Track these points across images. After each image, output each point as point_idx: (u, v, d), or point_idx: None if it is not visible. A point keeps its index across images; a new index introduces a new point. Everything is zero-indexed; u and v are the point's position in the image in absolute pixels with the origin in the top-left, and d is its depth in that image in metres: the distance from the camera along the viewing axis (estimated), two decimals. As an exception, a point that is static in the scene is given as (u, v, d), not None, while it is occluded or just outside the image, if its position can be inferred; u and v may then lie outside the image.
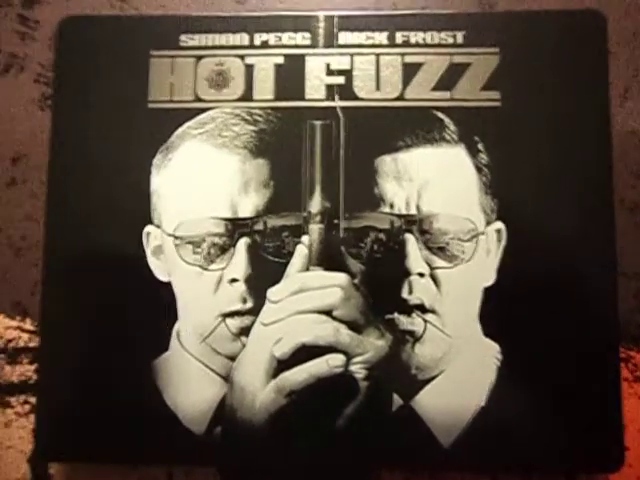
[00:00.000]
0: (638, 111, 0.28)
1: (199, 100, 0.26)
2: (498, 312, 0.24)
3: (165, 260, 0.26)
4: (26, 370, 0.27)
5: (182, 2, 0.29)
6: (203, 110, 0.26)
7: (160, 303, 0.25)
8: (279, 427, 0.24)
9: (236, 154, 0.26)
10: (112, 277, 0.26)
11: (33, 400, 0.27)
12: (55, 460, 0.25)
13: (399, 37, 0.26)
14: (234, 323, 0.25)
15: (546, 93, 0.25)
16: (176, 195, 0.26)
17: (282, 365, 0.24)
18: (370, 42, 0.26)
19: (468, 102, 0.25)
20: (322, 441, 0.24)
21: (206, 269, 0.25)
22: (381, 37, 0.26)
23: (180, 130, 0.26)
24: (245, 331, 0.25)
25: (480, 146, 0.25)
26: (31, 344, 0.27)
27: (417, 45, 0.26)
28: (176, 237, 0.26)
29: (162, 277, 0.26)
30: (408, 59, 0.26)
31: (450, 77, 0.25)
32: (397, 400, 0.25)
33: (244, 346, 0.25)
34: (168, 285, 0.26)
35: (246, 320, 0.25)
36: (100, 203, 0.26)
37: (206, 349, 0.25)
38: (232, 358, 0.25)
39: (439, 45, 0.26)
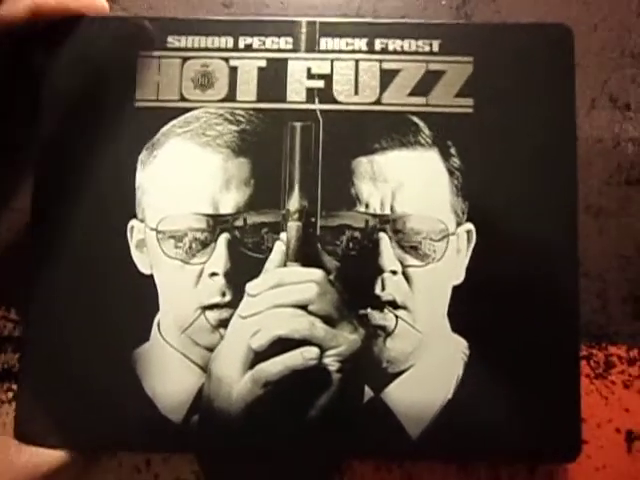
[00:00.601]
0: (604, 121, 0.29)
1: (184, 100, 0.27)
2: (466, 309, 0.25)
3: (148, 253, 0.26)
4: (10, 359, 0.28)
5: (170, 4, 0.30)
6: (188, 110, 0.26)
7: (142, 295, 0.26)
8: (255, 416, 0.25)
9: (219, 153, 0.26)
10: (96, 269, 0.26)
11: (16, 387, 0.27)
12: (36, 446, 0.26)
13: (378, 44, 0.26)
14: (213, 315, 0.26)
15: (516, 101, 0.26)
16: (160, 191, 0.26)
17: (259, 357, 0.25)
18: (350, 48, 0.27)
19: (442, 108, 0.26)
20: (295, 430, 0.25)
21: (187, 263, 0.26)
22: (361, 43, 0.27)
23: (165, 128, 0.26)
24: (224, 323, 0.25)
25: (452, 150, 0.26)
26: (15, 333, 0.28)
27: (395, 52, 0.26)
28: (159, 231, 0.26)
29: (145, 270, 0.26)
30: (386, 65, 0.26)
31: (426, 84, 0.26)
32: (368, 392, 0.25)
33: (222, 338, 0.25)
34: (150, 278, 0.26)
35: (225, 313, 0.25)
36: (86, 197, 0.26)
37: (186, 340, 0.26)
38: (210, 349, 0.25)
39: (416, 53, 0.26)
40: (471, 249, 0.26)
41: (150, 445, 0.26)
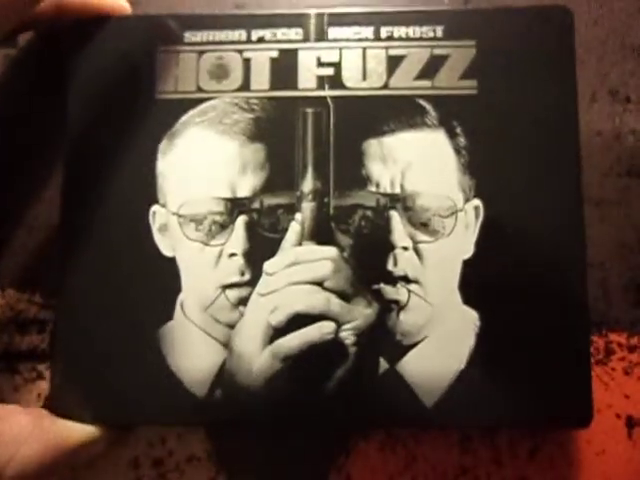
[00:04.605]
0: (605, 114, 0.27)
1: (201, 91, 0.26)
2: (476, 282, 0.23)
3: (170, 237, 0.25)
4: (34, 339, 0.26)
5: (186, 5, 0.29)
6: (204, 100, 0.25)
7: (165, 276, 0.24)
8: (274, 389, 0.23)
9: (235, 139, 0.25)
10: (121, 253, 0.25)
11: (40, 367, 0.26)
12: (68, 419, 0.25)
13: (384, 32, 0.25)
14: (233, 294, 0.24)
15: (519, 81, 0.24)
16: (180, 177, 0.25)
17: (277, 333, 0.23)
18: (357, 37, 0.25)
19: (448, 90, 0.25)
20: (313, 402, 0.23)
21: (207, 244, 0.25)
22: (367, 32, 0.25)
23: (184, 118, 0.25)
24: (243, 301, 0.24)
25: (458, 130, 0.24)
26: (40, 316, 0.26)
27: (400, 39, 0.25)
28: (180, 215, 0.25)
29: (167, 252, 0.25)
30: (392, 52, 0.25)
31: (431, 68, 0.24)
32: (383, 364, 0.24)
33: (242, 315, 0.24)
34: (172, 260, 0.25)
35: (244, 291, 0.24)
36: (110, 185, 0.25)
37: (207, 318, 0.24)
38: (231, 326, 0.24)
39: (420, 39, 0.25)
40: (479, 224, 0.24)
41: (176, 418, 0.24)
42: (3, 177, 0.28)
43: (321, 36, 0.25)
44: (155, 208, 0.25)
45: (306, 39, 0.25)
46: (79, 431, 0.23)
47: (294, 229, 0.24)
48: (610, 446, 0.25)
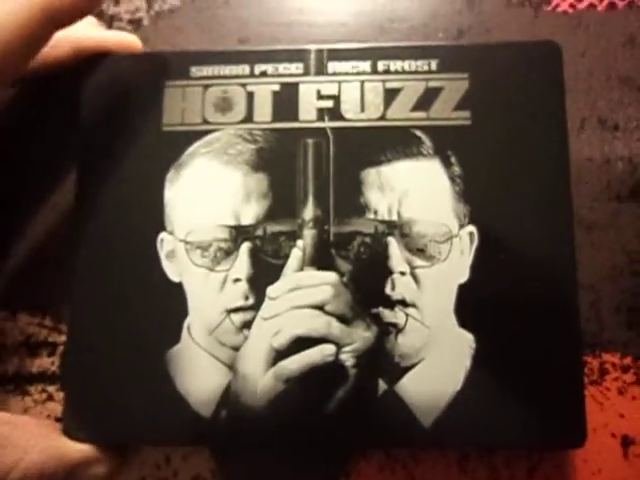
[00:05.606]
0: (594, 141, 0.28)
1: (206, 123, 0.27)
2: (472, 306, 0.24)
3: (177, 263, 0.26)
4: (45, 362, 0.27)
5: (192, 42, 0.30)
6: (210, 131, 0.26)
7: (172, 301, 0.25)
8: (277, 410, 0.24)
9: (239, 169, 0.26)
10: (130, 279, 0.25)
11: (50, 389, 0.27)
12: (81, 442, 0.25)
13: (381, 66, 0.26)
14: (237, 318, 0.25)
15: (510, 112, 0.25)
16: (187, 206, 0.26)
17: (280, 355, 0.24)
18: (355, 70, 0.26)
19: (442, 121, 0.26)
20: (315, 422, 0.24)
21: (213, 270, 0.25)
22: (365, 66, 0.26)
23: (190, 149, 0.26)
24: (247, 325, 0.25)
25: (453, 159, 0.25)
26: (50, 339, 0.27)
27: (396, 72, 0.26)
28: (187, 242, 0.26)
29: (174, 278, 0.25)
30: (389, 85, 0.26)
31: (426, 100, 0.25)
32: (382, 385, 0.24)
33: (246, 338, 0.24)
34: (179, 285, 0.25)
35: (248, 315, 0.25)
36: (119, 214, 0.26)
37: (213, 341, 0.25)
38: (236, 349, 0.25)
39: (416, 72, 0.26)
40: (474, 250, 0.25)
41: (182, 439, 0.25)
42: (16, 203, 0.29)
43: (321, 70, 0.26)
44: (163, 235, 0.26)
45: (306, 73, 0.26)
46: (78, 449, 0.24)
47: (296, 255, 0.25)
48: (606, 465, 0.26)
